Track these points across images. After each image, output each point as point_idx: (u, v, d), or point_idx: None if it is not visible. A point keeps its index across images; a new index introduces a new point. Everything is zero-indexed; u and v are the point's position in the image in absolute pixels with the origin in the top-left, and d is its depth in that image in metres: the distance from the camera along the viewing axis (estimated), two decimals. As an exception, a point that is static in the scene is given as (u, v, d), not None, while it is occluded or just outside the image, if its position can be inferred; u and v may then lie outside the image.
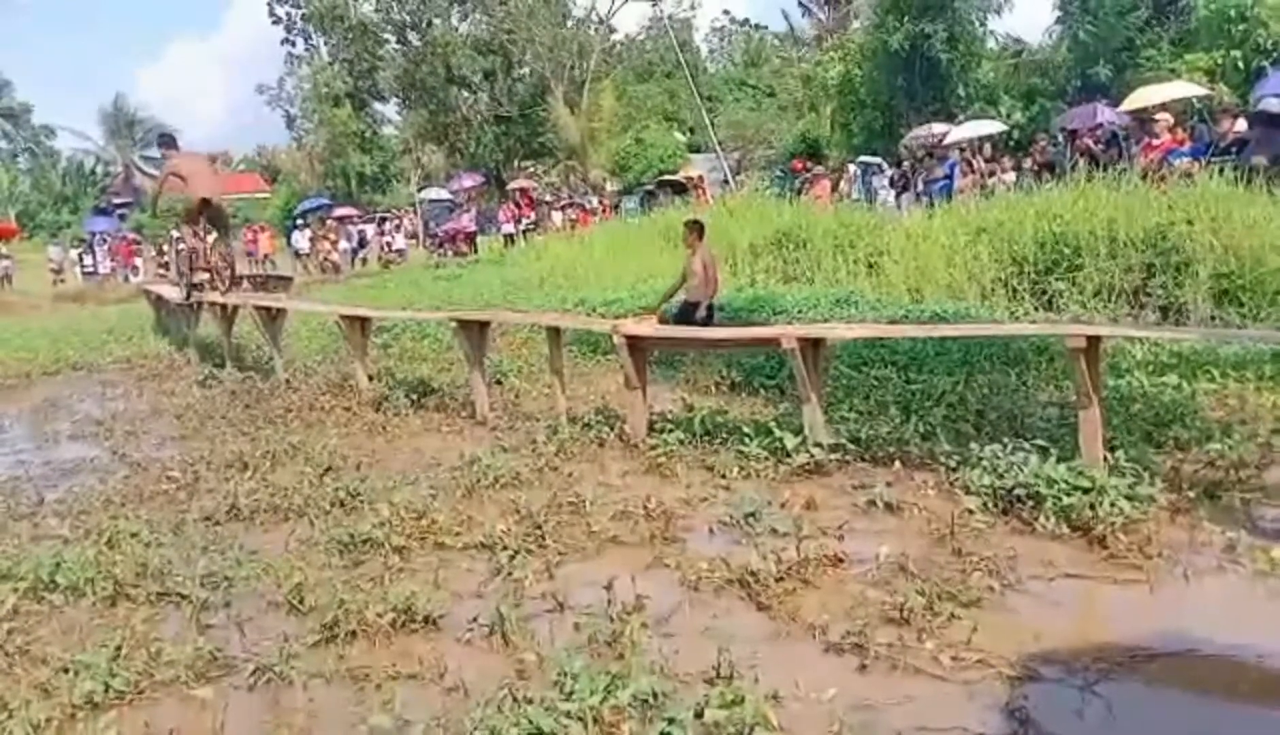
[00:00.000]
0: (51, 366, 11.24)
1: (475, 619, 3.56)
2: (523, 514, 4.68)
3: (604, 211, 29.71)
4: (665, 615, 3.53)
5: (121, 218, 35.43)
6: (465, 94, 44.47)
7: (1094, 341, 4.45)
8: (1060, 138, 17.77)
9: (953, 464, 4.68)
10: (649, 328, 6.43)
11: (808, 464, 5.07)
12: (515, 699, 2.88)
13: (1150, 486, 4.08)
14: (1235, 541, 3.72)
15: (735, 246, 12.96)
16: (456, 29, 44.66)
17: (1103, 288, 8.84)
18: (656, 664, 3.06)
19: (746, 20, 58.81)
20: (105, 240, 29.68)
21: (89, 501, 5.61)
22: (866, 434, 5.42)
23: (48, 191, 47.49)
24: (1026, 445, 4.45)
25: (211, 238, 10.47)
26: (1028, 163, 15.99)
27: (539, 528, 4.47)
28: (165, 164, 11.24)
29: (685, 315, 8.19)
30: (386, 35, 44.67)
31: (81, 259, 28.64)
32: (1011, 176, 16.10)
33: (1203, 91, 19.28)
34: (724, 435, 5.74)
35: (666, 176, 31.34)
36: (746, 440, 5.38)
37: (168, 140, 11.81)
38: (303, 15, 43.59)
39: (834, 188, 20.12)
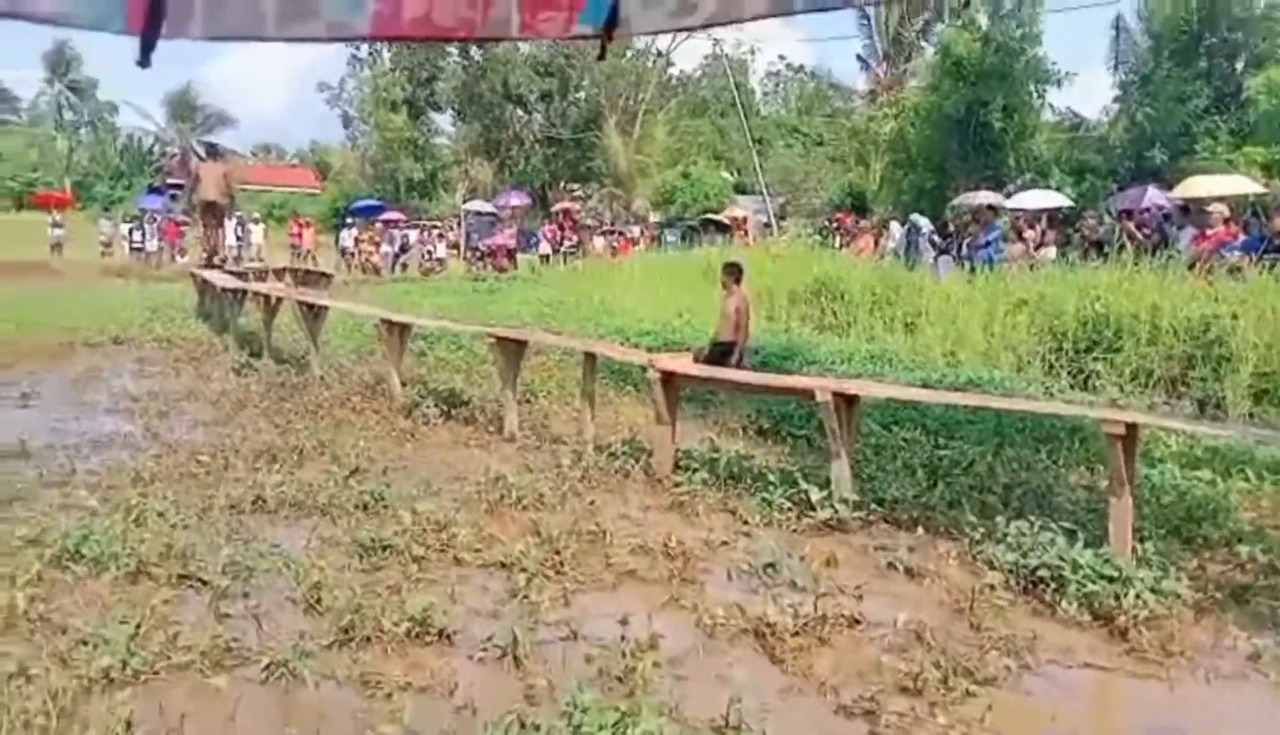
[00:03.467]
0: (94, 338, 11.43)
1: (489, 638, 3.58)
2: (543, 537, 4.70)
3: (646, 242, 29.89)
4: (678, 657, 3.52)
5: (173, 198, 36.06)
6: (520, 112, 45.14)
7: (1133, 429, 4.42)
8: (1111, 217, 17.72)
9: (977, 536, 4.65)
10: (684, 365, 6.46)
11: (831, 519, 5.06)
12: (523, 724, 2.89)
13: (1177, 582, 4.03)
14: (1261, 650, 3.66)
15: (773, 292, 13.00)
16: (518, 48, 45.33)
17: (1140, 372, 8.77)
18: (666, 706, 3.06)
19: (802, 67, 59.23)
20: (155, 219, 30.22)
21: (119, 476, 5.70)
22: (892, 495, 5.40)
23: (104, 165, 48.46)
24: (1053, 526, 4.41)
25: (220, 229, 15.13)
26: (1075, 238, 15.91)
27: (558, 553, 4.49)
28: (197, 166, 16.28)
29: (718, 357, 8.20)
30: (450, 47, 45.43)
31: (131, 235, 29.15)
32: (1052, 251, 15.99)
33: (1258, 188, 19.14)
34: (749, 480, 5.74)
35: (710, 215, 31.52)
36: (771, 488, 5.37)
37: (211, 148, 15.39)
38: (370, 20, 44.46)
39: (875, 243, 20.12)
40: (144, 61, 1.98)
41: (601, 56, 3.08)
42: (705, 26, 3.74)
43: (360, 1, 2.23)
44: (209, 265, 14.21)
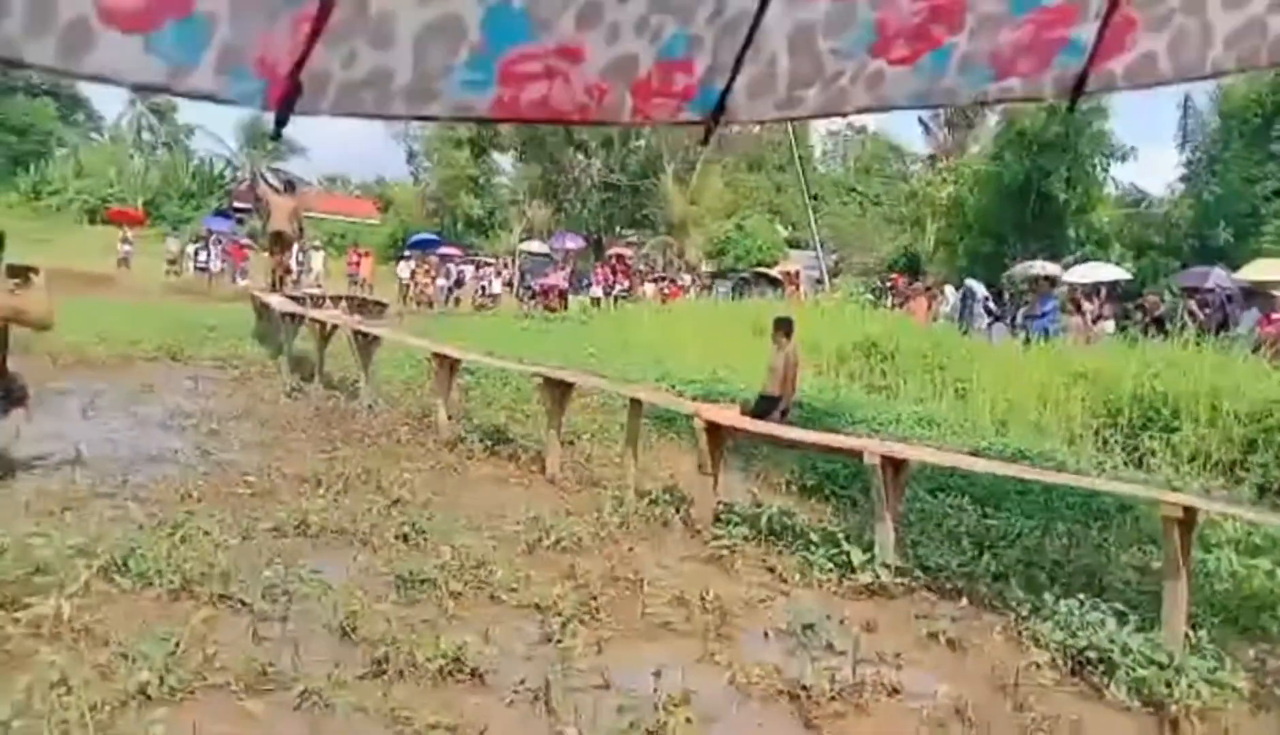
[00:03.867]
0: (152, 353, 11.71)
1: (522, 681, 3.56)
2: (579, 582, 4.69)
3: (697, 290, 30.06)
4: (710, 714, 3.46)
5: (240, 222, 37.11)
6: (580, 157, 45.82)
7: (1191, 513, 4.30)
8: (1174, 294, 17.45)
9: (1023, 612, 4.52)
10: (730, 416, 6.43)
11: (872, 583, 4.97)
12: (551, 772, 2.85)
13: (1233, 675, 3.88)
14: (1322, 753, 3.50)
15: (822, 348, 12.93)
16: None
17: (1199, 454, 8.54)
18: (696, 764, 3.01)
19: (864, 128, 59.44)
20: (220, 241, 31.08)
21: (168, 492, 5.80)
22: (936, 563, 5.29)
23: (176, 186, 49.98)
24: (1103, 606, 4.29)
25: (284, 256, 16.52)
26: (1136, 314, 15.67)
27: (594, 599, 4.46)
28: (268, 194, 18.57)
29: (761, 410, 8.17)
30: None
31: (196, 254, 30.00)
32: (1110, 326, 15.75)
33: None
34: (790, 538, 5.66)
35: (762, 268, 31.61)
36: (812, 548, 5.29)
37: (288, 183, 16.58)
38: (441, 60, 45.67)
39: (929, 306, 19.99)
40: (277, 134, 2.11)
41: (705, 142, 3.13)
42: (809, 117, 3.79)
43: (484, 85, 2.29)
44: (274, 290, 14.74)
